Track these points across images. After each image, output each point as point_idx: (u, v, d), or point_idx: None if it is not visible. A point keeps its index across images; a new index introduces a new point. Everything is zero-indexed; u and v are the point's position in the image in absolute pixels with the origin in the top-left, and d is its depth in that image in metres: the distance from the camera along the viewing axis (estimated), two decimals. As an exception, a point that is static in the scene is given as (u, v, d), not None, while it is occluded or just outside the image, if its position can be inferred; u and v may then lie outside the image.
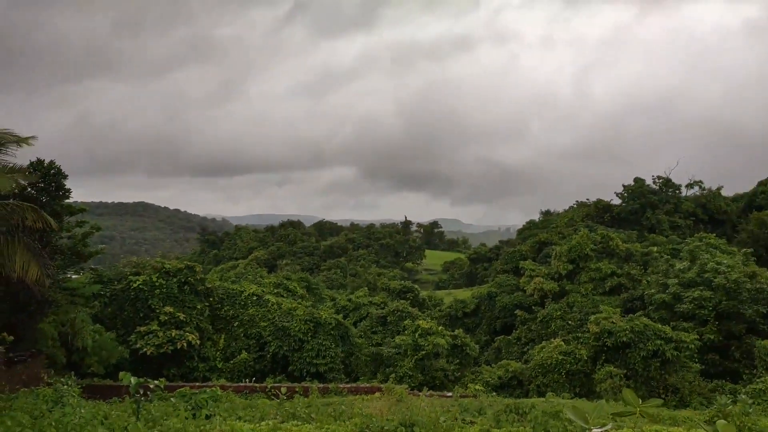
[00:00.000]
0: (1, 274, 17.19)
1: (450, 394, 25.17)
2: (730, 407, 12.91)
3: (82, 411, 13.01)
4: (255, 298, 34.04)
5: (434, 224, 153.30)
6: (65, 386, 16.94)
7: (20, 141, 18.03)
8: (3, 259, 16.61)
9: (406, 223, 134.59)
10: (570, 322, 38.73)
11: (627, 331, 29.79)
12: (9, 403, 14.05)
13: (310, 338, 31.87)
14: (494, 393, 28.66)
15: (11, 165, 18.54)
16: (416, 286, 58.26)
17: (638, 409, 4.88)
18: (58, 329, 22.85)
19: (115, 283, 30.76)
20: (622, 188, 74.25)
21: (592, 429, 5.06)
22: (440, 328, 33.77)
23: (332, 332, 32.60)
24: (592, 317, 33.11)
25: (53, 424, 11.50)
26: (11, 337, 17.45)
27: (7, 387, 18.08)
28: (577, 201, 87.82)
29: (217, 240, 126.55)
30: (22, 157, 20.88)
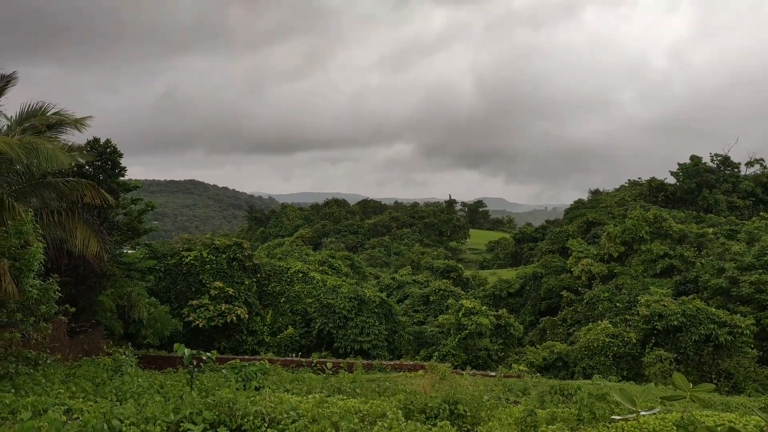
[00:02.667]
0: (63, 249, 18.10)
1: (493, 373, 25.18)
2: (787, 395, 12.45)
3: (140, 380, 13.67)
4: (301, 275, 34.70)
5: (479, 203, 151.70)
6: (123, 356, 17.82)
7: (77, 122, 18.79)
8: (65, 234, 17.47)
9: (451, 202, 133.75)
10: (618, 304, 37.87)
11: (678, 315, 28.94)
12: (73, 371, 14.89)
13: (354, 315, 32.33)
14: (538, 374, 28.48)
15: (70, 143, 19.36)
16: (460, 266, 58.09)
17: (689, 393, 4.78)
18: (115, 302, 23.93)
19: (169, 258, 31.87)
20: (677, 167, 71.50)
21: (639, 411, 5.00)
22: (484, 307, 33.63)
23: (376, 310, 32.97)
24: (642, 299, 32.28)
25: (113, 391, 12.15)
26: (73, 309, 18.41)
27: (71, 355, 19.16)
28: (629, 180, 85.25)
29: (264, 218, 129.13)
30: (84, 135, 21.77)
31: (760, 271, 32.41)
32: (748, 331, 28.35)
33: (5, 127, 17.40)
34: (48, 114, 18.22)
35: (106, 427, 7.21)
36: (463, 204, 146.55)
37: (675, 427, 7.25)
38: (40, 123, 17.38)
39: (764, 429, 7.06)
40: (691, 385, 4.87)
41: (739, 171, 71.70)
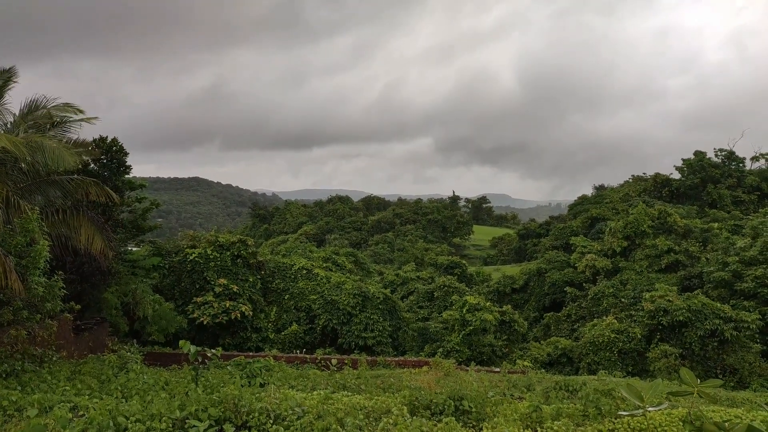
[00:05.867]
0: (68, 246, 18.15)
1: (498, 369, 25.17)
2: (793, 390, 12.39)
3: (145, 377, 13.71)
4: (305, 271, 34.73)
5: (482, 199, 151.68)
6: (128, 353, 17.87)
7: (84, 120, 18.82)
8: (70, 231, 17.51)
9: (454, 198, 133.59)
10: (623, 299, 37.82)
11: (684, 310, 28.88)
12: (79, 368, 14.94)
13: (358, 312, 32.36)
14: (543, 370, 28.46)
15: (75, 139, 19.40)
16: (464, 262, 58.08)
17: (696, 388, 4.76)
18: (120, 299, 24.00)
19: (173, 255, 31.94)
20: (681, 162, 71.24)
21: (647, 407, 4.98)
22: (488, 303, 33.62)
23: (380, 306, 32.99)
24: (647, 295, 32.22)
25: (119, 388, 12.18)
26: (78, 306, 18.47)
27: (76, 353, 19.21)
28: (633, 175, 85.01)
29: (267, 215, 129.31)
30: (90, 133, 21.80)
31: (765, 266, 32.29)
32: (754, 326, 28.28)
33: (8, 125, 17.44)
34: (50, 107, 18.22)
35: (111, 423, 7.22)
36: (467, 200, 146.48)
37: (681, 423, 7.23)
38: (43, 121, 17.40)
39: (771, 424, 7.04)
40: (698, 380, 4.85)
41: (744, 166, 71.39)
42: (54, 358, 15.17)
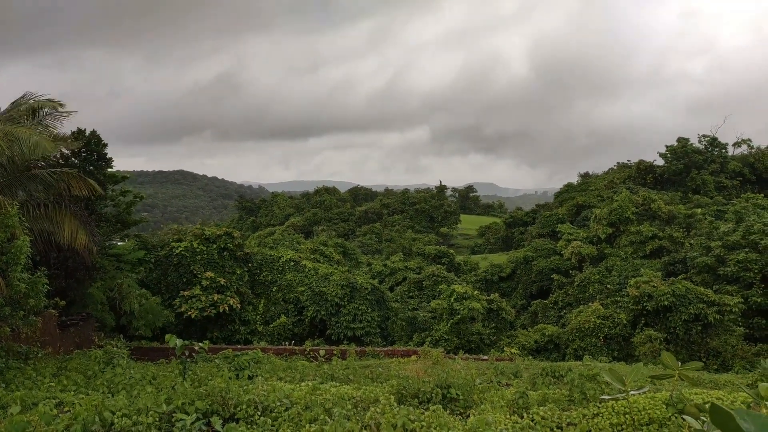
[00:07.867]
0: (51, 241, 17.93)
1: (486, 357, 25.39)
2: (774, 371, 12.62)
3: (132, 371, 13.64)
4: (292, 263, 34.64)
5: (469, 188, 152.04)
6: (115, 348, 17.76)
7: (66, 112, 18.54)
8: (52, 226, 17.30)
9: (441, 188, 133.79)
10: (608, 286, 38.22)
11: (668, 295, 29.27)
12: (65, 364, 14.82)
13: (346, 303, 32.39)
14: (530, 357, 28.75)
15: (55, 134, 19.13)
16: (451, 251, 58.29)
17: (677, 371, 4.84)
18: (106, 294, 23.78)
19: (159, 249, 31.67)
20: (665, 148, 71.88)
21: (629, 391, 5.05)
22: (476, 292, 33.80)
23: (368, 297, 33.04)
24: (632, 281, 32.59)
25: (105, 383, 12.11)
26: (63, 302, 18.28)
27: (62, 349, 19.04)
28: (618, 162, 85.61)
29: (254, 207, 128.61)
30: (69, 126, 21.40)
31: (747, 249, 32.78)
32: (736, 309, 28.75)
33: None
34: (32, 102, 17.96)
35: (97, 419, 7.17)
36: (454, 189, 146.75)
37: (665, 406, 7.33)
38: (18, 114, 17.13)
39: (751, 405, 7.16)
40: (679, 363, 4.92)
41: (727, 151, 72.24)
42: (39, 355, 15.03)
